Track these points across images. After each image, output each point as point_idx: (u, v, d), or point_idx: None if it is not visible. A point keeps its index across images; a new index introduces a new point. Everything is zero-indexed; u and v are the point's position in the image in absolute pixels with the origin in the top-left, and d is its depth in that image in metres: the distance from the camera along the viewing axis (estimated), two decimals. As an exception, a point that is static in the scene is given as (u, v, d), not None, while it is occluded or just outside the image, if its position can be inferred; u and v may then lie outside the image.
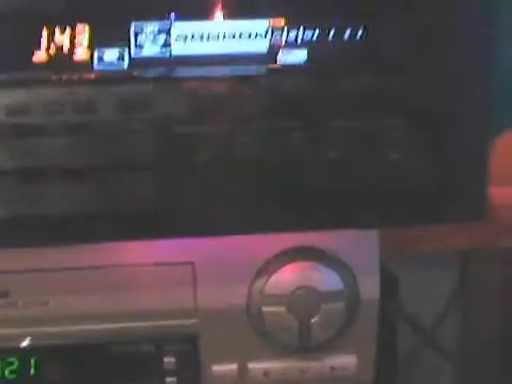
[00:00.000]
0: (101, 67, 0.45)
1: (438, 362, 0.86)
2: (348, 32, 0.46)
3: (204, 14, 0.45)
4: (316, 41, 0.46)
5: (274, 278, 0.54)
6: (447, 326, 0.86)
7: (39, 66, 0.45)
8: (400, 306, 0.78)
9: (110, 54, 0.45)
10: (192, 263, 0.54)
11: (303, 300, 0.54)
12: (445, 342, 0.87)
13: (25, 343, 0.55)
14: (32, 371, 0.55)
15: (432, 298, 0.83)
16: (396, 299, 0.74)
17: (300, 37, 0.45)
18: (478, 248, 0.75)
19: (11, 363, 0.55)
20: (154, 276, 0.54)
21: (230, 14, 0.45)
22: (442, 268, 0.82)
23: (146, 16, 0.44)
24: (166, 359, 0.56)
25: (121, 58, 0.45)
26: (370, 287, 0.56)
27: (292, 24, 0.45)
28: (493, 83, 0.47)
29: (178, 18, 0.45)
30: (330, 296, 0.55)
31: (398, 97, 0.47)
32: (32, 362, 0.55)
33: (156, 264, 0.54)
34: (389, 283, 0.64)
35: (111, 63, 0.45)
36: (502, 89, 0.61)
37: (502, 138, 0.71)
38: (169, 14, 0.44)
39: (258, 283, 0.55)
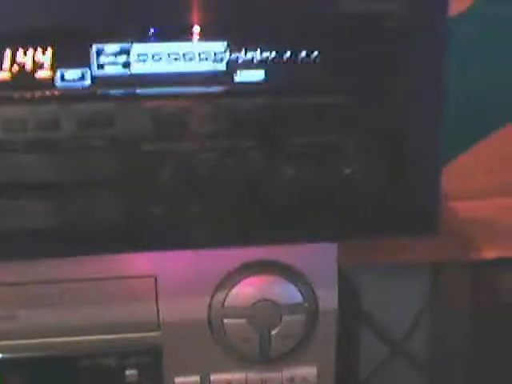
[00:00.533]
0: (63, 85, 0.46)
1: (409, 373, 0.87)
2: (303, 53, 0.47)
3: (164, 35, 0.46)
4: (272, 61, 0.47)
5: (234, 291, 0.55)
6: (418, 336, 0.87)
7: (2, 84, 0.46)
8: (366, 316, 0.79)
9: (72, 73, 0.46)
10: (155, 276, 0.55)
11: (263, 312, 0.56)
12: (416, 352, 0.88)
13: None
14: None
15: (403, 308, 0.84)
16: (357, 310, 0.75)
17: (257, 57, 0.47)
18: (444, 260, 0.76)
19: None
20: (117, 289, 0.55)
21: (189, 36, 0.46)
22: (414, 278, 0.84)
23: (107, 38, 0.46)
24: (128, 372, 0.56)
25: (83, 76, 0.46)
26: (328, 299, 0.57)
27: (249, 45, 0.47)
28: (444, 98, 0.49)
29: (138, 40, 0.46)
30: (290, 308, 0.56)
31: (352, 114, 0.48)
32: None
33: (119, 277, 0.55)
34: (350, 294, 0.65)
35: (73, 81, 0.46)
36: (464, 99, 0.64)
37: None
38: (129, 35, 0.46)
39: (219, 296, 0.56)
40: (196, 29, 0.46)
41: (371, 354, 0.81)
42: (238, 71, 0.47)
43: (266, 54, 0.47)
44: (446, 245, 0.73)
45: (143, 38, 0.46)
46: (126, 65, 0.46)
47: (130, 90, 0.47)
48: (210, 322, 0.56)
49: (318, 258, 0.56)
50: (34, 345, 0.55)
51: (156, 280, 0.55)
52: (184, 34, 0.47)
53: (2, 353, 0.55)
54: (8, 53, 0.46)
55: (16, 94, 0.46)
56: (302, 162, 0.48)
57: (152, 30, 0.46)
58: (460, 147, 0.73)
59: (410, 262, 0.77)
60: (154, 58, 0.46)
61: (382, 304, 0.80)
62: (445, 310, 0.84)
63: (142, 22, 0.46)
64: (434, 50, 0.48)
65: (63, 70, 0.46)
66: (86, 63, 0.46)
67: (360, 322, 0.77)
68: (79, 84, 0.46)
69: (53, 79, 0.46)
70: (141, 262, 0.54)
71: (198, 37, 0.47)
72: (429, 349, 0.87)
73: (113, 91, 0.47)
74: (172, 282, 0.55)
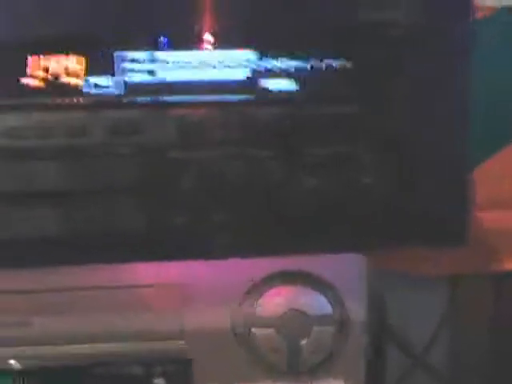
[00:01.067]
0: (92, 93, 0.46)
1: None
2: (327, 63, 0.47)
3: (191, 43, 0.46)
4: (296, 71, 0.47)
5: (262, 301, 0.55)
6: (438, 348, 0.85)
7: (32, 91, 0.46)
8: (389, 328, 0.78)
9: (101, 81, 0.46)
10: (181, 285, 0.55)
11: (293, 322, 0.55)
12: (436, 364, 0.86)
13: (6, 364, 0.55)
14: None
15: (423, 320, 0.83)
16: (384, 322, 0.74)
17: (282, 66, 0.46)
18: (466, 272, 0.75)
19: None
20: (142, 297, 0.54)
21: (216, 44, 0.46)
22: (433, 290, 0.82)
23: (135, 45, 0.45)
24: (155, 381, 0.56)
25: (111, 84, 0.46)
26: (357, 310, 0.56)
27: (273, 54, 0.46)
28: (469, 112, 0.48)
29: (165, 47, 0.46)
30: (320, 319, 0.55)
31: (375, 124, 0.47)
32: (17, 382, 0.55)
33: (145, 285, 0.54)
34: (377, 307, 0.64)
35: (102, 89, 0.46)
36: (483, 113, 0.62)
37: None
38: (156, 43, 0.45)
39: (248, 305, 0.55)
40: (222, 37, 0.46)
41: (391, 366, 0.79)
42: (263, 80, 0.47)
43: (290, 63, 0.46)
44: (469, 256, 0.71)
45: (169, 46, 0.46)
46: (154, 73, 0.46)
47: (156, 98, 0.47)
48: (237, 331, 0.56)
49: (347, 269, 0.56)
50: (59, 354, 0.55)
51: (183, 289, 0.55)
52: (210, 43, 0.46)
53: (28, 361, 0.55)
54: (37, 60, 0.46)
55: (45, 101, 0.46)
56: (326, 172, 0.48)
57: (178, 38, 0.46)
58: (485, 153, 0.71)
59: (432, 273, 0.75)
60: (180, 65, 0.46)
61: (401, 315, 0.79)
62: (463, 323, 0.83)
63: (169, 30, 0.46)
64: (458, 58, 0.48)
65: (92, 77, 0.46)
66: (113, 71, 0.46)
67: (386, 335, 0.76)
68: (107, 91, 0.46)
69: (81, 86, 0.46)
70: (167, 271, 0.54)
71: (224, 45, 0.46)
72: (449, 361, 0.86)
73: (140, 99, 0.46)
74: (198, 291, 0.55)
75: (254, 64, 0.47)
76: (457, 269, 0.74)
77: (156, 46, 0.46)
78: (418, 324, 0.81)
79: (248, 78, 0.47)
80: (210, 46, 0.46)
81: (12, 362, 0.55)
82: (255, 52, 0.47)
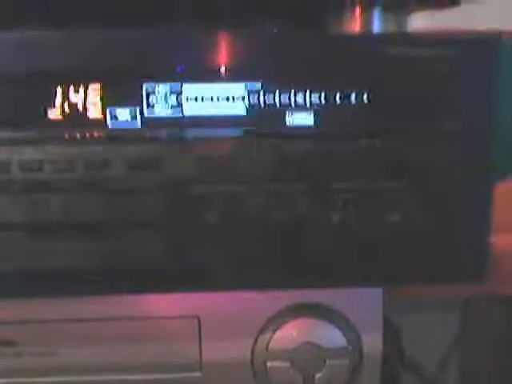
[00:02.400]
0: (114, 126, 0.46)
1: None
2: (353, 96, 0.47)
3: (214, 76, 0.46)
4: (321, 104, 0.47)
5: (278, 334, 0.55)
6: (450, 370, 0.85)
7: (53, 123, 0.46)
8: (403, 355, 0.78)
9: (123, 113, 0.46)
10: (198, 317, 0.54)
11: (308, 356, 0.55)
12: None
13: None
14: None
15: (435, 342, 0.83)
16: (399, 349, 0.74)
17: (306, 100, 0.47)
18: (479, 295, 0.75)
19: (16, 413, 0.55)
20: (159, 329, 0.54)
21: (238, 77, 0.46)
22: (445, 313, 0.82)
23: (158, 77, 0.46)
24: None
25: (134, 117, 0.46)
26: (373, 343, 0.56)
27: (298, 87, 0.46)
28: (493, 144, 0.48)
29: (189, 80, 0.46)
30: (334, 352, 0.55)
31: (400, 159, 0.48)
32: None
33: (162, 317, 0.54)
34: (391, 334, 0.64)
35: (124, 122, 0.46)
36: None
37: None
38: (180, 76, 0.46)
39: (263, 338, 0.55)
40: (243, 70, 0.46)
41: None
42: (288, 114, 0.47)
43: (315, 98, 0.47)
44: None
45: (193, 79, 0.46)
46: (176, 106, 0.46)
47: (178, 133, 0.47)
48: (252, 365, 0.56)
49: (363, 302, 0.55)
50: (73, 382, 0.55)
51: (199, 321, 0.54)
52: (232, 76, 0.46)
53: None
54: (60, 91, 0.46)
55: (67, 134, 0.46)
56: (348, 208, 0.48)
57: (201, 71, 0.46)
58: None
59: (441, 296, 0.75)
60: (203, 99, 0.46)
61: (413, 338, 0.79)
62: (475, 345, 0.83)
63: (191, 62, 0.46)
64: (485, 91, 0.48)
65: (114, 110, 0.46)
66: (137, 103, 0.46)
67: (401, 365, 0.76)
68: (129, 125, 0.46)
69: (104, 119, 0.46)
70: (184, 302, 0.54)
71: (247, 78, 0.46)
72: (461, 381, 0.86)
73: (162, 133, 0.47)
74: (215, 323, 0.54)
75: (279, 98, 0.47)
76: (467, 292, 0.74)
77: (180, 79, 0.46)
78: (430, 346, 0.81)
79: (274, 111, 0.47)
80: (231, 79, 0.47)
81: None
82: (281, 86, 0.47)
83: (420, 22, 0.60)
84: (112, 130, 0.46)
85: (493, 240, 0.70)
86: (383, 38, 0.49)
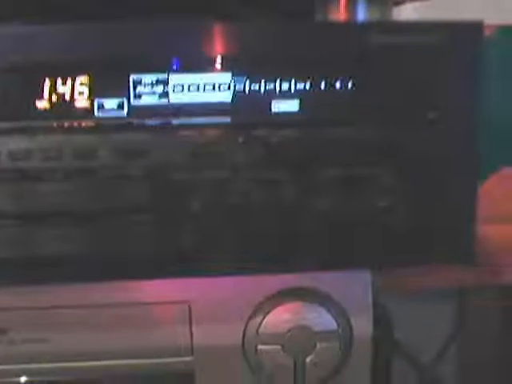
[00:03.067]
0: (101, 115, 0.47)
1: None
2: (338, 84, 0.47)
3: (201, 65, 0.47)
4: (307, 91, 0.47)
5: (269, 318, 0.55)
6: (446, 362, 0.86)
7: (41, 113, 0.47)
8: (396, 342, 0.78)
9: (110, 103, 0.47)
10: (188, 302, 0.55)
11: (298, 339, 0.55)
12: (443, 377, 0.87)
13: (22, 379, 0.56)
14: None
15: (431, 333, 0.84)
16: (391, 336, 0.74)
17: (292, 87, 0.47)
18: (473, 286, 0.75)
19: (9, 398, 0.56)
20: (150, 315, 0.55)
21: (223, 66, 0.47)
22: (441, 303, 0.83)
23: (145, 68, 0.46)
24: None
25: (120, 106, 0.47)
26: (363, 326, 0.57)
27: (283, 75, 0.47)
28: (479, 131, 0.49)
29: (175, 70, 0.46)
30: (325, 335, 0.56)
31: (386, 146, 0.48)
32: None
33: (153, 303, 0.55)
34: (383, 320, 0.64)
35: (111, 111, 0.47)
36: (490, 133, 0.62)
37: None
38: (166, 66, 0.46)
39: (254, 322, 0.56)
40: (229, 60, 0.47)
41: (399, 379, 0.80)
42: (273, 102, 0.47)
43: (300, 85, 0.47)
44: (475, 269, 0.72)
45: (179, 69, 0.47)
46: (163, 95, 0.47)
47: (165, 121, 0.47)
48: (244, 349, 0.56)
49: (352, 286, 0.56)
50: (67, 369, 0.56)
51: (190, 306, 0.55)
52: (218, 65, 0.47)
53: (36, 376, 0.56)
54: (47, 82, 0.46)
55: (55, 123, 0.47)
56: (335, 193, 0.48)
57: (188, 61, 0.47)
58: (492, 166, 0.71)
59: (437, 286, 0.76)
60: (189, 88, 0.47)
61: (410, 329, 0.80)
62: (471, 337, 0.83)
63: (177, 52, 0.47)
64: (470, 78, 0.48)
65: (101, 100, 0.47)
66: (124, 93, 0.47)
67: (392, 349, 0.76)
68: (116, 114, 0.47)
69: (92, 108, 0.47)
70: (175, 288, 0.55)
71: (233, 67, 0.47)
72: (457, 375, 0.86)
73: (149, 121, 0.47)
74: (206, 308, 0.55)
75: (265, 86, 0.47)
76: (462, 282, 0.75)
77: (166, 69, 0.46)
78: (426, 337, 0.81)
79: (259, 99, 0.47)
80: (218, 68, 0.47)
81: (23, 379, 0.56)
82: (266, 74, 0.47)
83: (404, 14, 0.60)
84: (99, 118, 0.47)
85: (485, 231, 0.70)
86: (367, 25, 0.49)
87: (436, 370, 0.86)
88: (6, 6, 0.50)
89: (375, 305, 0.58)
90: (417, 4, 0.57)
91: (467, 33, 0.48)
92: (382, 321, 0.61)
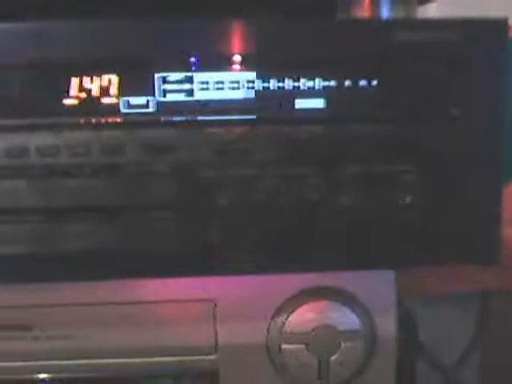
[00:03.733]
0: (128, 111, 0.47)
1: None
2: (363, 81, 0.47)
3: (225, 64, 0.47)
4: (332, 89, 0.48)
5: (293, 317, 0.55)
6: (469, 365, 0.85)
7: (69, 110, 0.47)
8: (420, 345, 0.78)
9: (137, 100, 0.47)
10: (213, 300, 0.55)
11: (322, 338, 0.55)
12: (466, 380, 0.86)
13: (46, 376, 0.56)
14: (55, 404, 0.56)
15: (454, 337, 0.83)
16: (415, 339, 0.74)
17: (316, 85, 0.47)
18: (496, 289, 0.75)
19: (34, 395, 0.56)
20: (175, 313, 0.55)
21: (249, 64, 0.47)
22: (465, 307, 0.82)
23: (171, 66, 0.47)
24: (187, 394, 0.57)
25: (147, 103, 0.47)
26: (387, 326, 0.57)
27: (307, 73, 0.47)
28: (506, 129, 0.48)
29: (201, 69, 0.47)
30: (349, 335, 0.56)
31: (410, 143, 0.48)
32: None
33: (178, 301, 0.55)
34: (407, 323, 0.64)
35: (138, 108, 0.47)
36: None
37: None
38: (192, 65, 0.47)
39: (278, 321, 0.56)
40: (254, 58, 0.47)
41: (421, 382, 0.79)
42: (298, 99, 0.48)
43: (324, 83, 0.47)
44: (497, 273, 0.71)
45: (204, 67, 0.47)
46: (189, 92, 0.47)
47: (192, 117, 0.48)
48: (267, 347, 0.56)
49: (376, 285, 0.56)
50: (92, 366, 0.56)
51: (215, 304, 0.55)
52: (242, 63, 0.47)
53: (61, 373, 0.56)
54: (75, 80, 0.47)
55: (82, 120, 0.47)
56: (359, 191, 0.48)
57: (212, 59, 0.47)
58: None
59: (459, 289, 0.75)
60: (216, 85, 0.47)
61: (433, 332, 0.79)
62: (494, 340, 0.82)
63: (203, 51, 0.47)
64: (493, 76, 0.48)
65: (128, 97, 0.47)
66: (151, 91, 0.47)
67: (417, 351, 0.76)
68: (143, 111, 0.47)
69: (118, 106, 0.47)
70: (200, 286, 0.55)
71: (257, 66, 0.47)
72: (480, 378, 0.85)
73: (175, 118, 0.48)
74: (231, 307, 0.55)
75: (291, 83, 0.47)
76: (485, 285, 0.74)
77: (191, 67, 0.47)
78: (449, 341, 0.81)
79: (284, 96, 0.47)
80: (242, 66, 0.47)
81: (42, 376, 0.56)
82: (292, 71, 0.47)
83: (428, 13, 0.60)
84: (126, 114, 0.47)
85: (509, 233, 0.70)
86: (392, 23, 0.50)
87: (458, 372, 0.85)
88: (35, 4, 0.51)
89: (399, 306, 0.57)
90: (440, 3, 0.57)
91: (492, 30, 0.48)
92: (406, 322, 0.60)
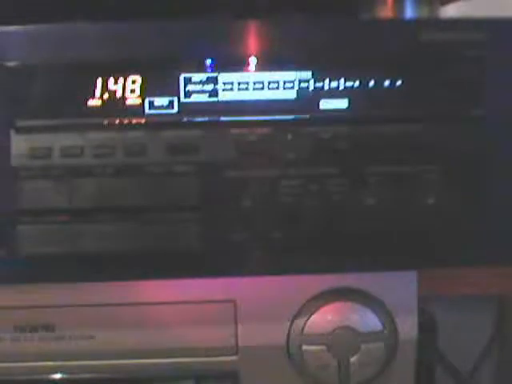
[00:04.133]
0: (152, 112, 0.47)
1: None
2: (387, 81, 0.47)
3: (248, 65, 0.47)
4: (356, 89, 0.48)
5: (314, 318, 0.55)
6: (485, 370, 0.85)
7: (93, 111, 0.47)
8: (438, 349, 0.78)
9: (161, 101, 0.47)
10: (234, 301, 0.55)
11: (343, 339, 0.55)
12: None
13: (69, 376, 0.56)
14: (76, 403, 0.57)
15: (470, 341, 0.83)
16: (434, 342, 0.73)
17: (340, 85, 0.47)
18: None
19: (56, 395, 0.56)
20: (196, 313, 0.55)
21: (273, 66, 0.47)
22: (481, 311, 0.82)
23: (195, 67, 0.47)
24: (207, 395, 0.57)
25: (171, 104, 0.47)
26: (408, 327, 0.56)
27: (332, 73, 0.47)
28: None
29: (224, 70, 0.47)
30: (370, 336, 0.55)
31: (435, 143, 0.48)
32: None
33: (199, 302, 0.55)
34: (427, 326, 0.64)
35: (162, 109, 0.47)
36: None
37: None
38: (215, 66, 0.47)
39: (299, 322, 0.56)
40: (280, 59, 0.47)
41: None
42: (322, 99, 0.48)
43: (349, 83, 0.47)
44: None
45: (228, 68, 0.47)
46: (213, 93, 0.47)
47: (215, 118, 0.48)
48: (288, 348, 0.56)
49: (397, 286, 0.56)
50: (114, 366, 0.56)
51: (235, 305, 0.55)
52: (268, 64, 0.47)
53: (83, 373, 0.56)
54: (100, 81, 0.47)
55: (106, 121, 0.48)
56: (383, 191, 0.48)
57: (237, 60, 0.47)
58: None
59: (477, 294, 0.75)
60: (239, 86, 0.47)
61: (450, 337, 0.79)
62: (510, 344, 0.82)
63: (227, 52, 0.48)
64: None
65: (152, 98, 0.47)
66: (174, 92, 0.47)
67: (436, 354, 0.76)
68: (167, 112, 0.47)
69: (142, 107, 0.47)
70: (221, 286, 0.55)
71: (282, 66, 0.47)
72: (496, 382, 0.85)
73: (199, 119, 0.48)
74: (251, 307, 0.55)
75: (314, 84, 0.47)
76: (501, 290, 0.74)
77: (211, 69, 0.47)
78: (465, 345, 0.81)
79: (309, 97, 0.48)
80: (264, 68, 0.48)
81: (58, 376, 0.56)
82: (316, 72, 0.47)
83: (450, 13, 0.60)
84: (150, 115, 0.48)
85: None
86: (417, 23, 0.50)
87: (474, 377, 0.85)
88: (60, 7, 0.51)
89: (420, 310, 0.57)
90: (462, 3, 0.57)
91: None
92: (426, 325, 0.60)
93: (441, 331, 0.74)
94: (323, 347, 0.55)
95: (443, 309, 0.76)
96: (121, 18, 0.47)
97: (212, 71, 0.47)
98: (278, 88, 0.48)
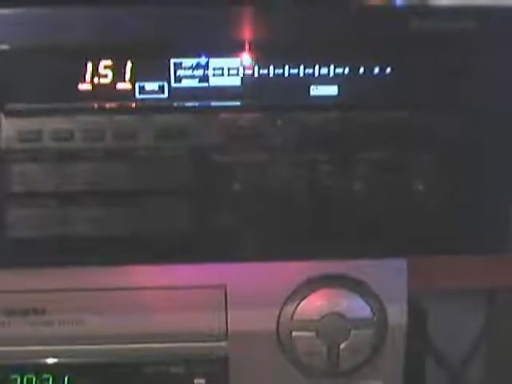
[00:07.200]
0: (142, 97, 0.47)
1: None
2: (377, 69, 0.47)
3: (238, 50, 0.47)
4: (346, 76, 0.48)
5: (304, 304, 0.56)
6: (476, 363, 0.85)
7: (84, 95, 0.47)
8: (428, 338, 0.78)
9: (151, 85, 0.47)
10: (224, 286, 0.55)
11: (332, 326, 0.55)
12: (473, 378, 0.86)
13: (59, 360, 0.56)
14: (66, 387, 0.57)
15: (461, 334, 0.83)
16: (424, 331, 0.74)
17: (330, 72, 0.47)
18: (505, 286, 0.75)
19: (46, 380, 0.56)
20: (186, 299, 0.55)
21: (264, 52, 0.48)
22: (471, 304, 0.82)
23: (185, 53, 0.47)
24: (196, 380, 0.57)
25: (161, 88, 0.47)
26: (397, 315, 0.57)
27: (322, 61, 0.47)
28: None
29: (214, 55, 0.47)
30: (359, 322, 0.56)
31: (424, 130, 0.48)
32: (66, 378, 0.56)
33: (188, 287, 0.55)
34: (417, 316, 0.64)
35: (152, 93, 0.47)
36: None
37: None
38: (206, 51, 0.47)
39: (289, 308, 0.56)
40: (271, 45, 0.47)
41: (429, 380, 0.79)
42: (312, 86, 0.48)
43: (339, 70, 0.47)
44: (503, 268, 0.71)
45: (218, 54, 0.47)
46: (203, 78, 0.47)
47: (205, 103, 0.48)
48: (278, 334, 0.56)
49: (387, 273, 0.56)
50: (104, 350, 0.56)
51: (226, 290, 0.55)
52: (256, 50, 0.48)
53: (73, 357, 0.56)
54: (90, 65, 0.47)
55: (96, 104, 0.48)
56: (372, 178, 0.48)
57: (228, 45, 0.47)
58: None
59: (467, 286, 0.75)
60: (230, 72, 0.47)
61: (440, 330, 0.79)
62: (501, 338, 0.82)
63: (216, 38, 0.47)
64: (508, 64, 0.48)
65: (142, 82, 0.47)
66: (165, 76, 0.47)
67: (426, 344, 0.76)
68: (157, 96, 0.47)
69: (132, 91, 0.47)
70: (211, 272, 0.55)
71: (271, 53, 0.47)
72: (486, 376, 0.85)
73: (189, 103, 0.48)
74: (241, 293, 0.55)
75: (304, 70, 0.47)
76: (493, 281, 0.74)
77: (202, 53, 0.47)
78: (456, 338, 0.81)
79: (298, 83, 0.47)
80: (255, 54, 0.47)
81: (50, 360, 0.56)
82: (306, 58, 0.47)
83: (441, 1, 0.60)
84: (140, 100, 0.47)
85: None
86: (406, 10, 0.49)
87: (465, 368, 0.85)
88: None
89: (411, 300, 0.57)
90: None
91: (507, 18, 0.47)
92: (416, 315, 0.60)
93: (432, 322, 0.74)
94: (313, 333, 0.55)
95: (435, 300, 0.76)
96: (112, 3, 0.47)
97: (202, 56, 0.47)
98: (268, 74, 0.48)
